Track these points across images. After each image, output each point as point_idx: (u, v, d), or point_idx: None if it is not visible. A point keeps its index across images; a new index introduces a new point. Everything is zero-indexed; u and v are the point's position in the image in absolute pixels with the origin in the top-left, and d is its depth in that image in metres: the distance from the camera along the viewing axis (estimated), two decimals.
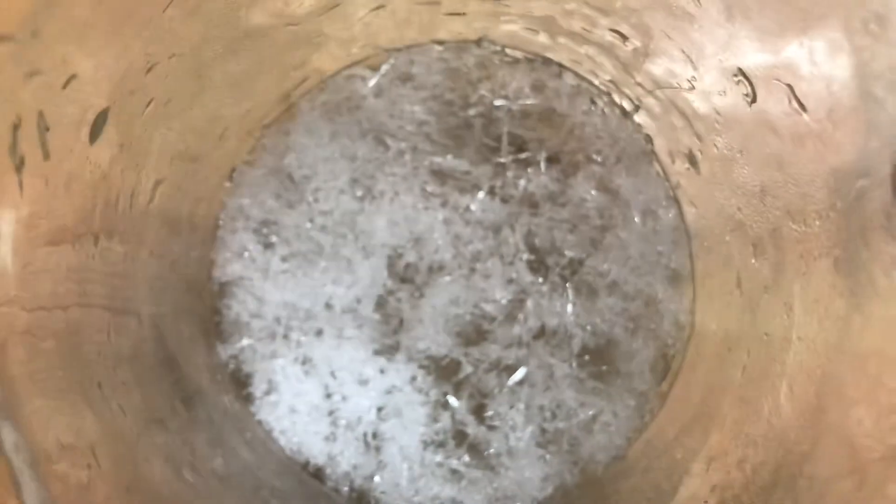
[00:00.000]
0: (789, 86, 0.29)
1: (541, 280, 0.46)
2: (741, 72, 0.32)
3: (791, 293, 0.33)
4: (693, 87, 0.37)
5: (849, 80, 0.25)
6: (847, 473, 0.27)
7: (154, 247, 0.38)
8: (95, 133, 0.29)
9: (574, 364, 0.46)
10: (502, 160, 0.47)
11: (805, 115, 0.29)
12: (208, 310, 0.46)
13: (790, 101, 0.30)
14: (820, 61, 0.27)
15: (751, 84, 0.32)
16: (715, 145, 0.38)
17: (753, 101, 0.33)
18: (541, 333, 0.46)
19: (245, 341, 0.46)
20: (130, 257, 0.36)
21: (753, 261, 0.37)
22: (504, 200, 0.47)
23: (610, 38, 0.40)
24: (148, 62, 0.30)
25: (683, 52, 0.36)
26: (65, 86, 0.26)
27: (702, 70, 0.35)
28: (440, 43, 0.47)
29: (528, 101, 0.47)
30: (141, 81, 0.30)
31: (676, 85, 0.38)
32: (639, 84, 0.42)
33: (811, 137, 0.29)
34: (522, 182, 0.47)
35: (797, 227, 0.32)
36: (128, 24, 0.28)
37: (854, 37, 0.24)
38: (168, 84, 0.32)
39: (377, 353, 0.46)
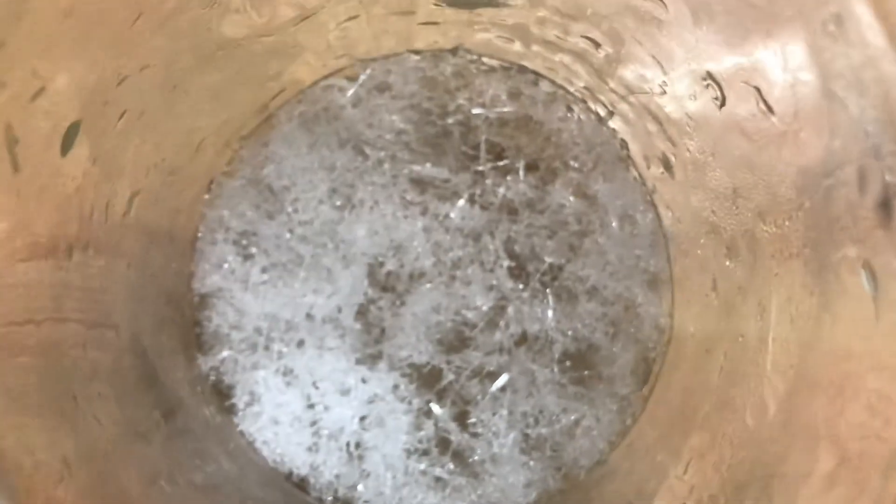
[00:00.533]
0: (757, 88, 0.30)
1: (521, 286, 0.46)
2: (710, 75, 0.33)
3: (764, 294, 0.33)
4: (664, 92, 0.37)
5: (812, 80, 0.26)
6: (820, 471, 0.27)
7: (132, 259, 0.38)
8: (67, 145, 0.29)
9: (556, 369, 0.46)
10: (481, 168, 0.47)
11: (773, 117, 0.29)
12: (188, 322, 0.46)
13: (758, 104, 0.30)
14: (785, 63, 0.27)
15: (720, 87, 0.32)
16: (688, 149, 0.38)
17: (723, 104, 0.33)
18: (522, 340, 0.46)
19: (226, 353, 0.46)
20: (107, 270, 0.36)
21: (728, 263, 0.37)
22: (483, 208, 0.47)
23: (583, 45, 0.40)
24: (119, 75, 0.30)
25: (654, 57, 0.36)
26: (33, 98, 0.26)
27: (672, 74, 0.36)
28: (416, 52, 0.47)
29: (506, 109, 0.48)
30: (112, 94, 0.30)
31: (648, 90, 0.39)
32: (612, 90, 0.42)
33: (779, 138, 0.29)
34: (501, 189, 0.47)
35: (768, 228, 0.32)
36: (97, 36, 0.28)
37: (815, 38, 0.24)
38: (141, 96, 0.32)
39: (359, 362, 0.46)
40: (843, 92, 0.24)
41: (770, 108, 0.29)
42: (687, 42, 0.32)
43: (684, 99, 0.36)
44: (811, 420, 0.28)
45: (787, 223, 0.30)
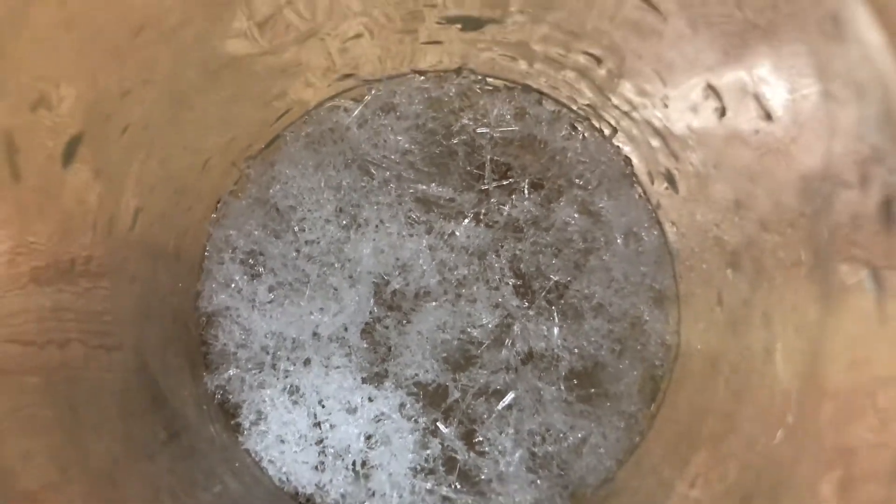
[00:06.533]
0: (756, 96, 0.29)
1: (527, 304, 0.46)
2: (710, 86, 0.32)
3: (769, 305, 0.33)
4: (666, 106, 0.37)
5: (810, 83, 0.25)
6: (828, 481, 0.26)
7: (137, 276, 0.38)
8: (68, 157, 0.28)
9: (562, 387, 0.45)
10: (486, 187, 0.47)
11: (773, 124, 0.29)
12: (195, 340, 0.45)
13: (758, 112, 0.29)
14: (783, 68, 0.27)
15: (720, 97, 0.32)
16: (690, 163, 0.38)
17: (723, 114, 0.32)
18: (528, 357, 0.45)
19: (232, 371, 0.45)
20: (112, 290, 0.35)
21: (732, 276, 0.37)
22: (488, 226, 0.46)
23: (584, 61, 0.40)
24: (122, 88, 0.30)
25: (654, 70, 0.36)
26: (33, 108, 0.26)
27: (673, 87, 0.35)
28: (421, 73, 0.47)
29: (510, 129, 0.47)
30: (115, 106, 0.30)
31: (650, 104, 0.38)
32: (615, 106, 0.42)
33: (779, 146, 0.29)
34: (506, 208, 0.47)
35: (770, 237, 0.31)
36: (99, 48, 0.28)
37: (812, 39, 0.24)
38: (145, 110, 0.32)
39: (365, 380, 0.45)
40: (842, 92, 0.23)
41: (770, 115, 0.29)
42: (686, 52, 0.32)
43: (686, 112, 0.36)
44: (819, 430, 0.27)
45: (788, 231, 0.29)
